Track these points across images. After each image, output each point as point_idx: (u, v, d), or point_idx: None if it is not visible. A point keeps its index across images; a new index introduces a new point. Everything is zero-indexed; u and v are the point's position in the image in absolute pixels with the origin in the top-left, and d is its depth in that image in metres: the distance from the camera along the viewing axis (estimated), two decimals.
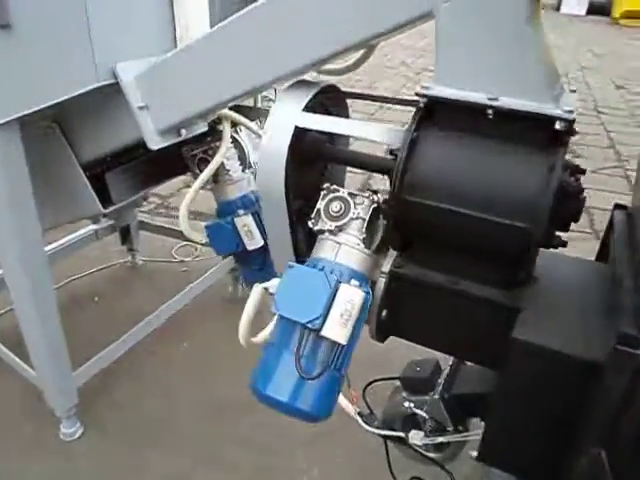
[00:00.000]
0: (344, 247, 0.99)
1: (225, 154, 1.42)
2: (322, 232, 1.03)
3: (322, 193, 1.05)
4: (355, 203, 1.03)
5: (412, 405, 1.22)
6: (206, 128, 1.36)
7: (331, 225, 1.02)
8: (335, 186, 1.05)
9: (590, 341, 0.82)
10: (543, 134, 0.83)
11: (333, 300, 0.90)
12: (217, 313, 2.36)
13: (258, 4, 0.99)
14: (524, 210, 0.83)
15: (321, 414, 0.93)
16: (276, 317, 0.97)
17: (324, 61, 0.99)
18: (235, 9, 1.05)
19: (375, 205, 1.03)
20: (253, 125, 1.53)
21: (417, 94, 0.88)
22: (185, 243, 2.79)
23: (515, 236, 0.84)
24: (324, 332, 0.89)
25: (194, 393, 1.97)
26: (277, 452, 1.78)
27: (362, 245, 1.01)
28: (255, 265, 1.50)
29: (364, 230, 1.01)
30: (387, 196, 1.13)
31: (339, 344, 0.90)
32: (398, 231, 0.97)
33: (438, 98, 0.86)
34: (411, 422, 1.26)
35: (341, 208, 1.02)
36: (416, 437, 1.23)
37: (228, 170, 1.50)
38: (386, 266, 1.04)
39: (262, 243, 1.44)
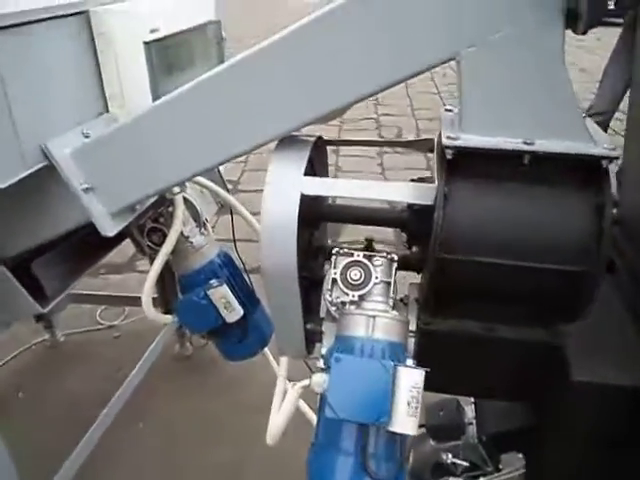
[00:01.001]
0: (380, 320, 0.88)
1: (182, 220, 1.24)
2: (343, 304, 0.92)
3: (333, 259, 0.94)
4: (374, 265, 0.93)
5: (449, 454, 1.16)
6: (156, 197, 1.18)
7: (354, 295, 0.91)
8: (345, 248, 0.95)
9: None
10: (584, 174, 0.79)
11: (394, 388, 0.79)
12: (168, 377, 2.14)
13: (238, 59, 0.84)
14: (583, 254, 0.79)
15: None
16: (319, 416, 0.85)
17: (321, 117, 0.88)
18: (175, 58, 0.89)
19: (396, 264, 0.94)
20: (202, 179, 1.36)
21: (444, 146, 0.80)
22: (105, 307, 2.50)
23: (575, 280, 0.80)
24: (394, 428, 0.78)
25: None
26: None
27: (395, 312, 0.91)
28: (234, 337, 1.34)
29: (391, 295, 0.92)
30: (404, 252, 1.06)
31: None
32: (434, 290, 0.89)
33: (468, 149, 0.79)
34: (441, 469, 1.20)
35: (361, 275, 0.92)
36: None
37: (187, 237, 1.31)
38: (412, 323, 0.96)
39: (242, 313, 1.28)
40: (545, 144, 0.77)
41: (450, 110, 0.94)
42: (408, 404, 0.79)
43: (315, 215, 0.98)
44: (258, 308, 1.41)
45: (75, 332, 2.41)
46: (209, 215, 1.53)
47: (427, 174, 4.43)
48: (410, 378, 0.80)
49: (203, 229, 1.38)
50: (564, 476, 0.96)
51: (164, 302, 2.09)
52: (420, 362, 0.96)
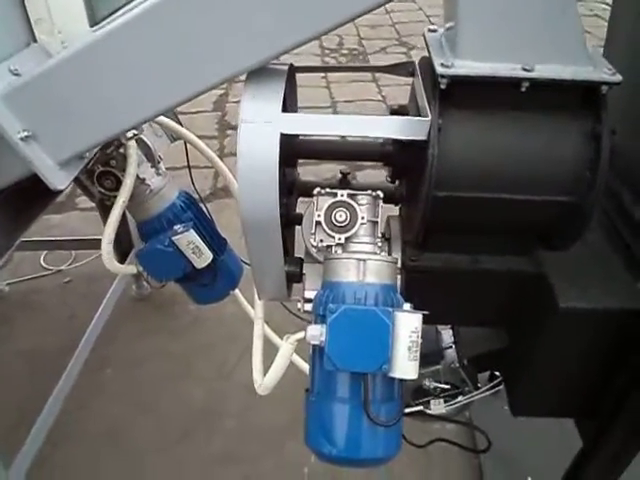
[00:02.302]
0: (370, 263, 0.85)
1: (137, 160, 1.12)
2: (328, 248, 0.88)
3: (315, 200, 0.88)
4: (359, 204, 0.88)
5: (430, 379, 1.19)
6: None
7: (340, 238, 0.86)
8: (328, 188, 0.89)
9: (627, 290, 0.89)
10: (582, 100, 0.75)
11: (393, 334, 0.77)
12: (129, 320, 2.07)
13: None
14: (578, 184, 0.77)
15: (398, 449, 0.84)
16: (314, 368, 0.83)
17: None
18: None
19: (380, 202, 0.89)
20: None
21: (437, 74, 0.72)
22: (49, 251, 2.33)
23: (569, 211, 0.79)
24: (395, 374, 0.77)
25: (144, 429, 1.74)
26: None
27: (384, 253, 0.88)
28: (203, 281, 1.27)
29: (379, 234, 0.88)
30: (387, 185, 1.00)
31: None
32: (424, 227, 0.86)
33: (465, 77, 0.72)
34: (420, 392, 1.24)
35: (347, 215, 0.87)
36: (438, 407, 1.22)
37: (143, 179, 1.18)
38: (397, 259, 0.94)
39: (212, 256, 1.20)
40: (545, 70, 0.72)
41: (435, 30, 0.86)
42: (408, 349, 0.77)
43: (292, 153, 0.91)
44: (226, 249, 1.35)
45: (20, 280, 2.26)
46: (162, 150, 1.40)
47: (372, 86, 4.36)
48: (409, 323, 0.77)
49: (159, 168, 1.27)
50: (552, 396, 1.01)
51: (118, 246, 1.97)
52: (406, 297, 0.95)
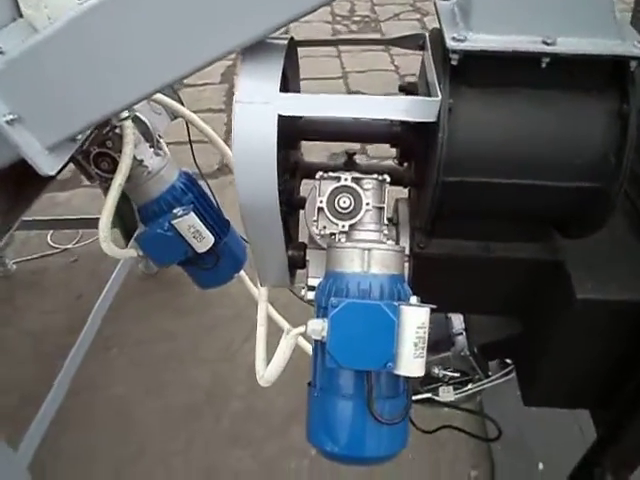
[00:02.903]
0: (376, 253, 0.80)
1: (133, 140, 1.07)
2: (332, 236, 0.83)
3: (317, 184, 0.83)
4: (364, 189, 0.83)
5: (440, 367, 1.15)
6: None
7: (344, 226, 0.81)
8: (331, 172, 0.83)
9: None
10: (608, 76, 0.68)
11: (399, 329, 0.73)
12: (135, 299, 2.05)
13: None
14: (601, 169, 0.70)
15: (404, 446, 0.81)
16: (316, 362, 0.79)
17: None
18: None
19: (387, 186, 0.84)
20: None
21: (448, 49, 0.66)
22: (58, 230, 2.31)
23: (592, 197, 0.73)
24: (401, 372, 0.73)
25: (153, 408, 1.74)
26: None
27: (391, 241, 0.83)
28: (207, 265, 1.23)
29: (385, 221, 0.83)
30: (394, 167, 0.94)
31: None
32: (433, 213, 0.81)
33: (478, 52, 0.66)
34: (430, 379, 1.21)
35: (351, 201, 0.81)
36: (447, 394, 1.18)
37: (141, 160, 1.13)
38: (405, 245, 0.89)
39: (213, 239, 1.16)
40: (567, 43, 0.65)
41: None
42: (415, 345, 0.73)
43: (292, 134, 0.85)
44: (229, 231, 1.30)
45: (27, 259, 2.25)
46: (162, 129, 1.35)
47: (385, 56, 4.22)
48: (415, 317, 0.73)
49: (158, 148, 1.22)
50: (566, 387, 0.97)
51: (123, 227, 1.94)
52: (414, 286, 0.91)
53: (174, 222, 1.10)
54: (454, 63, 0.67)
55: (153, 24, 0.72)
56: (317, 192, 0.83)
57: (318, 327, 0.74)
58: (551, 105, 0.70)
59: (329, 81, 3.69)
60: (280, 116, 0.73)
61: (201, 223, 1.13)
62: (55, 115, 0.84)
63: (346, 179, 0.82)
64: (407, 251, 0.89)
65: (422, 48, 0.86)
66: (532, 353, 1.01)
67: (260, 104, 0.72)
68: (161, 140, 1.37)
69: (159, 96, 1.22)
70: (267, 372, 0.84)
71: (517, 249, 0.88)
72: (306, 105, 0.73)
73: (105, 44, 0.76)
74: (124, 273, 1.80)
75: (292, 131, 0.83)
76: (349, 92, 3.69)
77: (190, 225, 1.11)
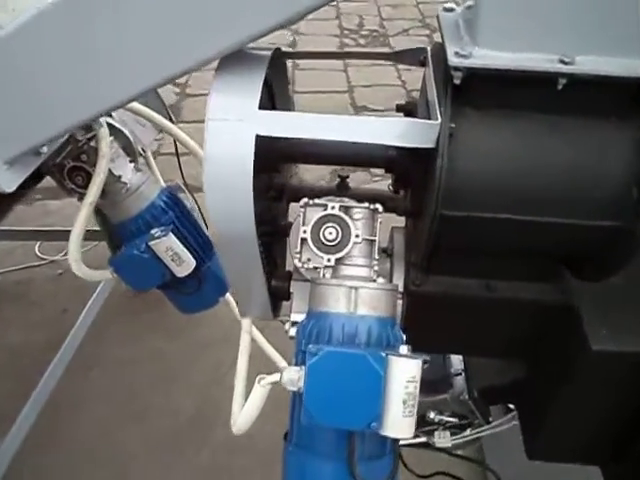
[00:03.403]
0: (364, 292, 0.71)
1: (109, 155, 0.99)
2: (316, 270, 0.74)
3: (302, 212, 0.75)
4: (352, 219, 0.74)
5: (436, 412, 1.06)
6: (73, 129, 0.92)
7: (329, 259, 0.73)
8: (317, 199, 0.75)
9: None
10: (631, 101, 0.60)
11: (386, 383, 0.64)
12: (120, 317, 1.96)
13: None
14: (624, 205, 0.62)
15: None
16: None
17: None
18: None
19: (380, 216, 0.75)
20: (137, 105, 1.08)
21: (450, 66, 0.57)
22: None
23: (610, 236, 0.64)
24: (387, 432, 0.63)
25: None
26: None
27: (381, 279, 0.73)
28: (188, 290, 1.14)
29: (376, 256, 0.74)
30: (389, 195, 0.86)
31: None
32: (431, 249, 0.72)
33: (486, 69, 0.57)
34: (425, 422, 1.11)
35: (338, 232, 0.73)
36: (443, 440, 1.08)
37: (119, 176, 1.05)
38: (399, 281, 0.81)
39: (194, 263, 1.07)
40: (588, 62, 0.57)
41: (451, 10, 0.70)
42: (404, 403, 0.63)
43: (274, 156, 0.77)
44: (213, 254, 1.21)
45: (12, 269, 2.16)
46: (147, 142, 1.27)
47: (392, 70, 4.17)
48: (406, 370, 0.64)
49: (139, 162, 1.13)
50: (576, 441, 0.87)
51: (111, 241, 1.85)
52: (408, 325, 0.82)
53: (151, 243, 1.02)
54: (457, 82, 0.59)
55: (130, 18, 0.64)
56: (301, 221, 0.74)
57: (294, 376, 0.65)
58: (566, 132, 0.61)
59: (335, 95, 3.63)
60: (259, 136, 0.64)
61: (181, 245, 1.05)
62: (12, 127, 0.76)
63: (333, 207, 0.73)
64: (401, 287, 0.80)
65: (423, 64, 0.78)
66: (538, 401, 0.91)
67: (235, 122, 0.64)
68: (147, 153, 1.29)
69: (140, 107, 1.14)
70: (238, 422, 0.75)
71: (522, 289, 0.79)
72: (288, 125, 0.65)
73: (69, 41, 0.67)
74: (108, 290, 1.72)
75: (272, 153, 0.75)
76: (354, 107, 3.62)
77: (168, 247, 1.03)
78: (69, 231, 2.07)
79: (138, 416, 1.68)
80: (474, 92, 0.60)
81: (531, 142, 0.62)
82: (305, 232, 0.73)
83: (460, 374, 1.08)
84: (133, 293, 2.05)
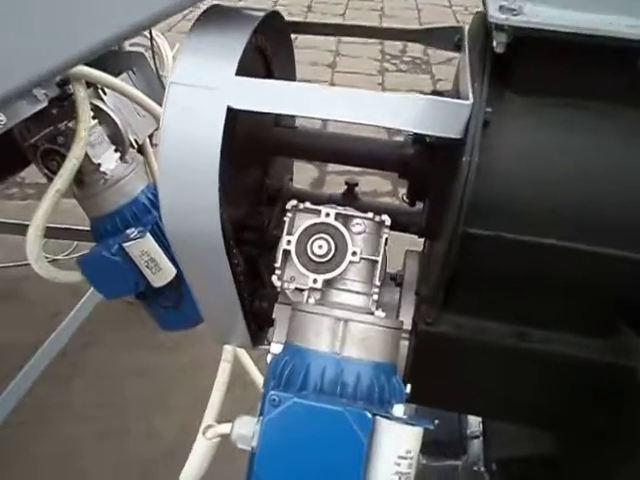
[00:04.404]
0: (355, 327, 0.54)
1: (86, 139, 0.86)
2: (299, 292, 0.59)
3: (288, 218, 0.60)
4: (351, 232, 0.58)
5: None
6: (45, 103, 0.79)
7: (315, 280, 0.57)
8: (308, 203, 0.60)
9: None
10: None
11: (371, 454, 0.47)
12: (112, 326, 1.83)
13: None
14: None
15: None
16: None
17: None
18: None
19: (386, 231, 0.59)
20: (122, 83, 0.96)
21: (492, 24, 0.41)
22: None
23: None
24: None
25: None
26: None
27: (380, 311, 0.57)
28: (165, 303, 0.99)
29: (377, 281, 0.58)
30: (402, 207, 0.70)
31: None
32: (448, 278, 0.56)
33: (539, 31, 0.41)
34: None
35: (329, 247, 0.57)
36: None
37: (98, 165, 0.92)
38: (406, 318, 0.64)
39: (174, 272, 0.92)
40: None
41: None
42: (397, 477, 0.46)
43: (263, 147, 0.62)
44: None
45: (7, 266, 2.05)
46: (145, 134, 1.14)
47: (427, 78, 4.17)
48: (399, 441, 0.46)
49: (130, 154, 1.00)
50: None
51: None
52: (413, 374, 0.65)
53: (125, 245, 0.87)
54: (499, 50, 0.43)
55: None
56: (286, 229, 0.59)
57: (248, 432, 0.49)
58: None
59: None
60: (232, 109, 0.49)
61: (160, 251, 0.90)
62: None
63: (328, 214, 0.57)
64: (407, 325, 0.64)
65: (458, 47, 0.62)
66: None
67: (203, 88, 0.49)
68: (147, 145, 1.16)
69: (141, 96, 1.01)
70: (182, 476, 0.58)
71: (567, 343, 0.62)
72: (270, 97, 0.49)
73: None
74: (98, 298, 1.59)
75: (262, 141, 0.60)
76: None
77: (143, 251, 0.88)
78: (70, 230, 1.98)
79: (112, 438, 1.52)
80: (522, 67, 0.44)
81: (594, 141, 0.45)
82: (289, 243, 0.57)
83: (477, 437, 0.89)
84: (130, 300, 1.94)
